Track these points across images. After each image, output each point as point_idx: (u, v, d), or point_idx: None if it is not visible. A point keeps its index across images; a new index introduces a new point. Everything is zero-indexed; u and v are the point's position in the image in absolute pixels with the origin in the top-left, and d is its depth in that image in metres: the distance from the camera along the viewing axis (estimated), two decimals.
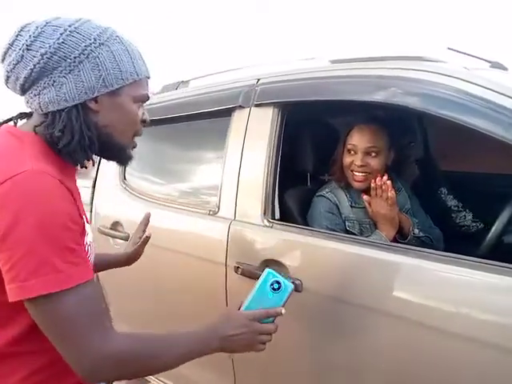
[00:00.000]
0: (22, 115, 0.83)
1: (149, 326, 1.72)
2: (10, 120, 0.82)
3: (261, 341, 0.84)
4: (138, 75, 0.78)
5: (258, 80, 1.45)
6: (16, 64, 0.72)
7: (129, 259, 1.19)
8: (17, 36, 0.73)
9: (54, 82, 0.73)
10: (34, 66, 0.71)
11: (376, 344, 1.09)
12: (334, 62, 1.34)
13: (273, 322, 0.86)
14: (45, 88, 0.73)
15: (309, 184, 1.60)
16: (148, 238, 1.18)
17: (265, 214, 1.34)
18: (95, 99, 0.75)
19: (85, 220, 0.79)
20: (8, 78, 0.75)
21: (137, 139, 0.87)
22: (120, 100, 0.78)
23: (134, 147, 0.86)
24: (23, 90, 0.76)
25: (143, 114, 0.84)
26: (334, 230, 1.33)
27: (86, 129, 0.75)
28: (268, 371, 1.37)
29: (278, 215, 1.38)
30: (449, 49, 1.66)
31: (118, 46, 0.76)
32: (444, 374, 0.98)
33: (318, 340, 1.21)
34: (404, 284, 1.06)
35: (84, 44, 0.73)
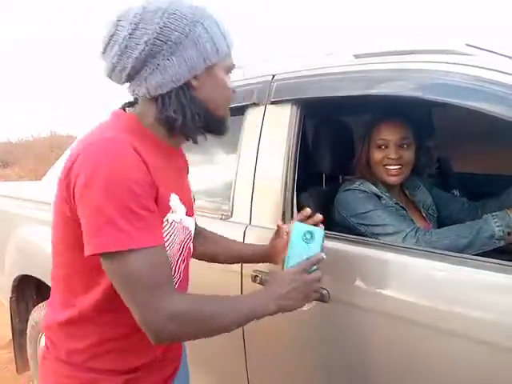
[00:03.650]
0: (128, 104, 0.86)
1: None
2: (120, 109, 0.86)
3: (314, 289, 0.87)
4: (228, 47, 0.80)
5: (273, 76, 1.37)
6: (121, 55, 0.74)
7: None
8: (116, 27, 0.75)
9: (159, 65, 0.74)
10: (140, 53, 0.73)
11: (412, 358, 1.01)
12: (358, 56, 1.26)
13: (317, 269, 0.88)
14: (151, 73, 0.75)
15: (324, 185, 1.53)
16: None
17: (283, 217, 1.26)
18: (195, 77, 0.77)
19: (175, 198, 0.81)
20: (114, 69, 0.77)
21: None
22: (215, 74, 0.80)
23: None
24: (129, 79, 0.78)
25: (233, 85, 0.86)
26: (381, 212, 1.25)
27: (194, 106, 0.78)
28: None
29: None
30: (467, 45, 1.60)
31: (210, 21, 0.77)
32: None
33: (347, 354, 1.12)
34: (441, 292, 0.98)
35: (182, 24, 0.74)
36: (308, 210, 1.05)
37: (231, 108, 1.40)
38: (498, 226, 1.11)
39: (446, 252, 1.03)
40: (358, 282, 1.09)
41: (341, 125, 1.53)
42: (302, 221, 1.05)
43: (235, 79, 1.51)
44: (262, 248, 1.12)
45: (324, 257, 0.88)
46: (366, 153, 1.37)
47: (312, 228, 0.90)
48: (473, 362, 0.92)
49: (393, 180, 1.35)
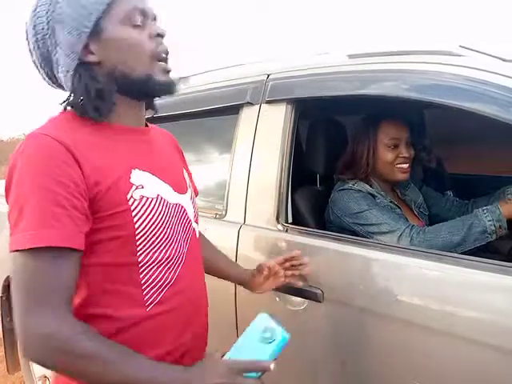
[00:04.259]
0: None
1: None
2: None
3: None
4: None
5: (268, 75, 1.37)
6: (31, 52, 0.75)
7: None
8: (26, 31, 0.75)
9: (57, 44, 0.72)
10: (36, 53, 0.74)
11: (406, 358, 1.01)
12: (352, 56, 1.27)
13: (259, 377, 0.69)
14: (55, 56, 0.73)
15: (318, 185, 1.53)
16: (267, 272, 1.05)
17: (278, 217, 1.26)
18: (90, 52, 0.72)
19: (140, 173, 0.76)
20: (39, 70, 0.77)
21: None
22: (107, 34, 0.72)
23: (168, 70, 0.76)
24: (49, 74, 0.77)
25: (152, 29, 0.74)
26: (375, 211, 1.26)
27: (94, 82, 0.73)
28: None
29: (291, 219, 1.30)
30: (461, 46, 1.61)
31: None
32: None
33: (341, 355, 1.13)
34: (436, 292, 0.98)
35: (45, 10, 0.71)
36: (297, 252, 1.04)
37: (226, 107, 1.43)
38: (489, 221, 1.12)
39: (440, 252, 1.04)
40: (352, 282, 1.09)
41: (335, 124, 1.53)
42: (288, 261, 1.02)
43: (230, 78, 1.52)
44: (245, 274, 1.10)
45: (272, 368, 0.68)
46: (373, 153, 1.37)
47: (277, 329, 0.72)
48: (464, 361, 0.93)
49: (404, 177, 1.38)
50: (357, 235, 1.25)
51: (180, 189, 0.85)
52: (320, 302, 1.11)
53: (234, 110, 1.41)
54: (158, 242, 0.77)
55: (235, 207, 1.35)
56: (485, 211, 1.14)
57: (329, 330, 1.13)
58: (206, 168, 1.60)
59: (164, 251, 0.78)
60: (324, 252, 1.16)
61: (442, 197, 1.64)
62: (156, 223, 0.76)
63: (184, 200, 0.85)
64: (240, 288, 1.27)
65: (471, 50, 1.56)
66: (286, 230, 1.24)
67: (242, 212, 1.32)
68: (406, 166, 1.36)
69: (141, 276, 0.75)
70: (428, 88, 1.07)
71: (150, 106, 0.86)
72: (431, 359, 0.97)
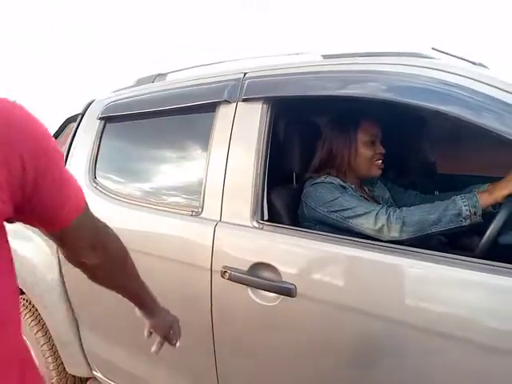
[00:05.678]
0: None
1: (124, 334, 1.61)
2: None
3: None
4: None
5: (245, 74, 1.38)
6: None
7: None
8: None
9: None
10: None
11: (377, 353, 1.04)
12: (326, 56, 1.29)
13: None
14: None
15: (294, 183, 1.55)
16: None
17: (254, 214, 1.27)
18: None
19: None
20: None
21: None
22: None
23: None
24: None
25: None
26: (348, 196, 1.31)
27: None
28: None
29: (266, 216, 1.31)
30: (433, 49, 1.66)
31: None
32: None
33: (314, 349, 1.15)
34: (406, 287, 1.01)
35: None
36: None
37: (203, 105, 1.43)
38: (465, 206, 1.15)
39: (414, 249, 1.06)
40: (326, 278, 1.11)
41: (311, 124, 1.55)
42: None
43: (207, 76, 1.52)
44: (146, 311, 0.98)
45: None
46: (354, 151, 1.41)
47: None
48: (441, 357, 0.96)
49: (379, 173, 1.45)
50: (332, 226, 1.27)
51: None
52: (293, 297, 1.12)
53: (211, 107, 1.41)
54: None
55: (211, 204, 1.35)
56: (462, 197, 1.17)
57: (302, 325, 1.15)
58: (183, 165, 1.60)
59: None
60: (298, 248, 1.18)
61: (405, 192, 1.70)
62: None
63: None
64: (215, 281, 1.28)
65: (443, 52, 1.61)
66: (262, 228, 1.25)
67: (219, 209, 1.33)
68: (381, 161, 1.43)
69: None
70: (401, 89, 1.09)
71: None
72: (407, 355, 1.00)
